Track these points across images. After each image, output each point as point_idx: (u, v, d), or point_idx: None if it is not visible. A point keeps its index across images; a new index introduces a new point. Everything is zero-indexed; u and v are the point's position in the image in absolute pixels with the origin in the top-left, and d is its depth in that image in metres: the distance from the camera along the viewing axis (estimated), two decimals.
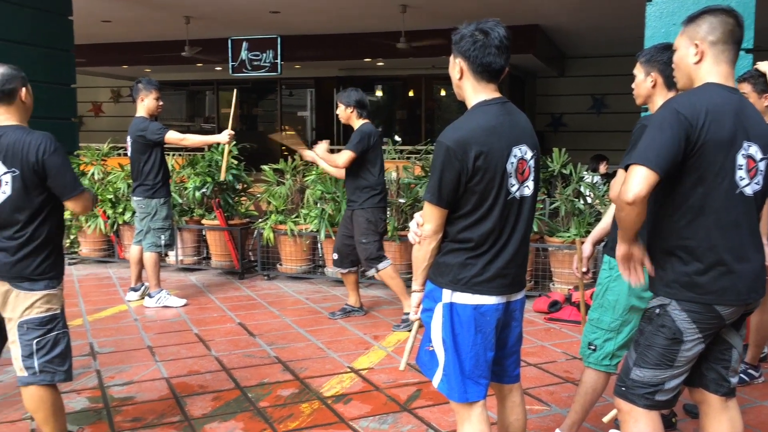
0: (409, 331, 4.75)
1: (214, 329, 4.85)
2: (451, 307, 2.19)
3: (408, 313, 4.82)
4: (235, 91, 6.11)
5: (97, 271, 6.82)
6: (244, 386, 3.75)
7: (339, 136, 16.06)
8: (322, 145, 4.92)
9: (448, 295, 2.20)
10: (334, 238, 5.89)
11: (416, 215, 2.28)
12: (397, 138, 7.28)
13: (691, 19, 2.15)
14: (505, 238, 2.19)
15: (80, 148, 7.81)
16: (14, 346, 2.69)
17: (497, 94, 2.23)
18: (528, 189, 2.23)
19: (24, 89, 2.73)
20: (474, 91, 2.22)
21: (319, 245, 6.51)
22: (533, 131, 2.30)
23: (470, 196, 2.14)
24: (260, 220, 6.57)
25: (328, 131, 15.41)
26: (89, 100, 18.24)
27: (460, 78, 2.24)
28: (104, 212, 6.87)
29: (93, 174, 7.12)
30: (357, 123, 4.85)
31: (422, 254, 2.25)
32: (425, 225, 2.21)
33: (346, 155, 4.69)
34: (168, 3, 10.03)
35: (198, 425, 3.26)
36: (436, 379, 2.24)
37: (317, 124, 16.89)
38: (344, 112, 4.86)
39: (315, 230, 6.15)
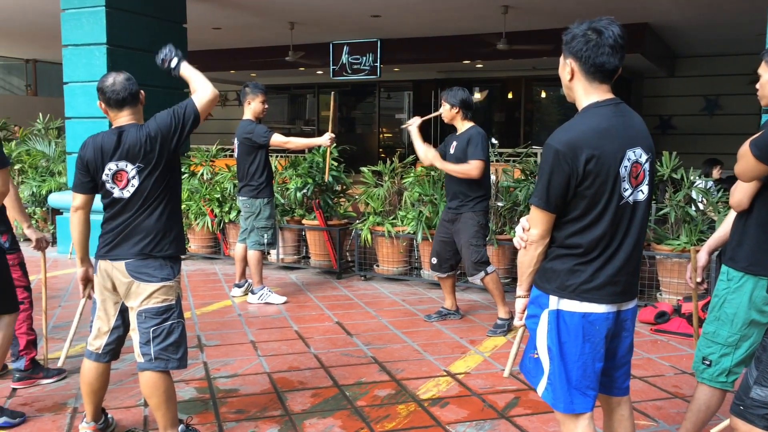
0: (505, 336, 4.71)
1: (312, 327, 4.95)
2: (557, 315, 2.13)
3: (502, 319, 4.76)
4: (333, 93, 6.23)
5: (204, 267, 7.14)
6: (342, 384, 3.81)
7: (436, 138, 16.04)
8: (416, 121, 4.96)
9: (554, 302, 2.13)
10: (431, 240, 5.88)
11: (522, 219, 2.23)
12: (494, 141, 7.18)
13: None
14: (617, 244, 2.11)
15: (191, 149, 8.22)
16: (134, 334, 2.87)
17: (610, 95, 2.14)
18: (642, 194, 2.13)
19: (142, 91, 2.98)
20: (585, 93, 2.15)
21: (415, 247, 6.53)
22: (648, 133, 2.20)
23: (580, 200, 2.07)
24: (358, 221, 6.66)
25: (425, 134, 15.40)
26: None
27: (571, 79, 2.17)
28: (212, 211, 7.18)
29: (202, 174, 7.47)
30: (462, 124, 4.81)
31: (528, 259, 2.19)
32: (531, 229, 2.16)
33: (477, 164, 4.60)
34: (274, 9, 10.37)
35: (298, 420, 3.34)
36: (541, 388, 2.18)
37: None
38: (448, 112, 4.83)
39: (412, 232, 6.17)
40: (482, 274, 4.77)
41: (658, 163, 5.65)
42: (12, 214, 3.62)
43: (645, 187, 2.15)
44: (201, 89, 2.95)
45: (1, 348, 3.25)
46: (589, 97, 2.15)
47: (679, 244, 5.25)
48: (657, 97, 15.29)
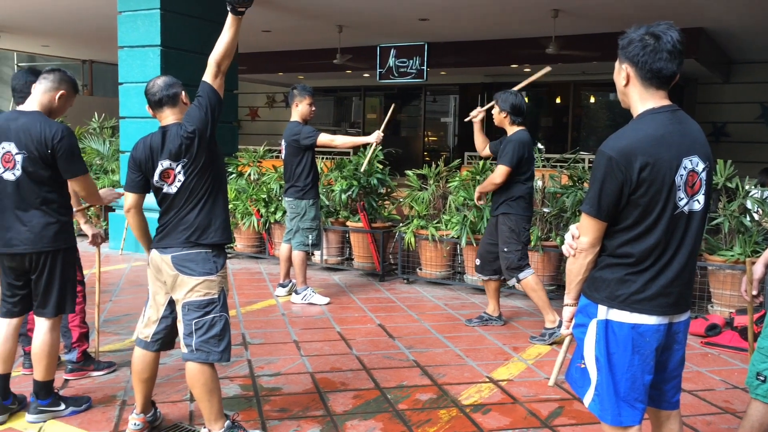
0: (549, 344, 4.64)
1: (355, 329, 4.97)
2: (606, 325, 2.09)
3: (549, 328, 4.69)
4: (393, 106, 6.39)
5: (250, 266, 7.24)
6: (384, 387, 3.81)
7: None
8: (479, 113, 5.06)
9: (603, 312, 2.10)
10: (475, 245, 5.85)
11: (572, 227, 2.19)
12: (540, 146, 7.11)
13: None
14: (670, 254, 2.06)
15: (239, 150, 8.35)
16: (180, 325, 2.96)
17: (667, 102, 2.10)
18: (698, 203, 2.08)
19: (183, 92, 3.06)
20: (641, 99, 2.11)
21: (459, 252, 6.49)
22: (706, 141, 2.14)
23: (633, 209, 2.03)
24: (402, 224, 6.66)
25: (470, 137, 15.35)
26: (247, 105, 19.49)
27: (626, 84, 2.13)
28: (258, 211, 7.28)
29: (249, 174, 7.58)
30: (510, 129, 4.78)
31: (577, 267, 2.16)
32: (581, 237, 2.13)
33: (499, 170, 4.63)
34: (323, 12, 10.46)
35: (340, 421, 3.36)
36: (588, 398, 2.14)
37: (460, 131, 16.89)
38: (498, 115, 4.81)
39: (456, 236, 6.14)
40: (514, 280, 4.78)
41: (713, 172, 5.50)
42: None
43: (701, 197, 2.09)
44: (216, 46, 2.90)
45: (53, 347, 3.27)
46: (644, 104, 2.10)
47: (732, 255, 5.10)
48: (710, 103, 14.88)
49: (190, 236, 2.92)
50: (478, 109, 5.17)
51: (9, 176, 3.18)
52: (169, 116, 3.00)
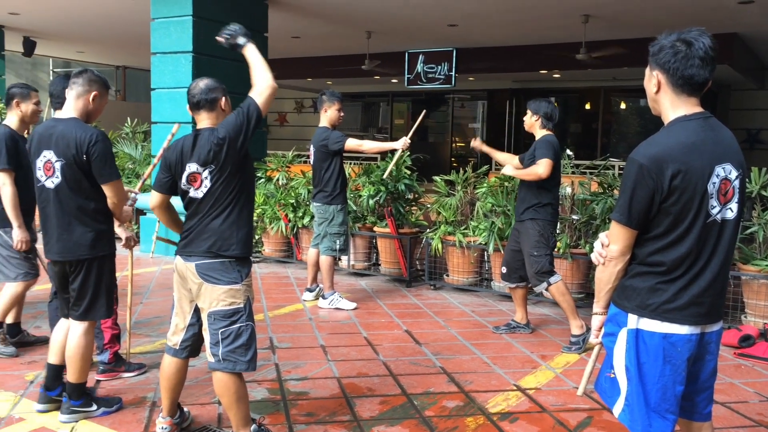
0: (580, 353, 4.59)
1: (381, 334, 4.98)
2: (636, 334, 2.06)
3: (578, 335, 4.65)
4: (424, 111, 6.42)
5: (277, 270, 7.30)
6: (411, 393, 3.81)
7: (510, 148, 15.88)
8: (508, 169, 4.93)
9: (633, 321, 2.07)
10: (503, 251, 5.82)
11: (601, 234, 2.17)
12: (569, 152, 7.06)
13: None
14: (702, 263, 2.03)
15: (267, 155, 8.43)
16: (205, 334, 2.96)
17: (699, 109, 2.07)
18: (731, 211, 2.05)
19: (224, 98, 3.05)
20: (672, 106, 2.08)
21: (487, 258, 6.46)
22: (739, 148, 2.11)
23: (664, 217, 2.01)
24: (429, 230, 6.65)
25: (498, 143, 15.30)
26: (275, 110, 19.66)
27: (657, 91, 2.11)
28: (286, 215, 7.33)
29: (278, 179, 7.64)
30: (539, 133, 4.76)
31: (606, 276, 2.14)
32: (611, 245, 2.11)
33: (546, 163, 4.57)
34: (353, 19, 10.52)
35: (366, 427, 3.36)
36: (617, 409, 2.12)
37: (488, 136, 16.82)
38: (530, 119, 4.81)
39: (484, 243, 6.12)
40: (545, 284, 4.70)
41: (747, 180, 5.40)
42: None
43: (734, 205, 2.06)
44: (259, 83, 2.95)
45: (86, 350, 3.33)
46: (676, 111, 2.08)
47: (767, 265, 4.99)
48: (744, 110, 14.63)
49: (212, 245, 2.90)
50: (476, 142, 5.34)
51: (50, 184, 3.26)
52: (205, 120, 3.01)
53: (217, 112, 3.01)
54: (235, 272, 2.92)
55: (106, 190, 3.27)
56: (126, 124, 10.25)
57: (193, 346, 3.10)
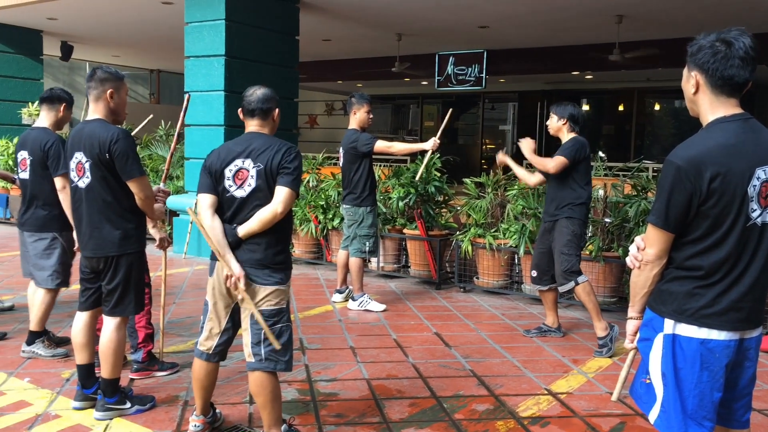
0: (611, 357, 4.53)
1: (411, 336, 4.97)
2: (673, 339, 2.03)
3: (604, 336, 4.59)
4: (450, 110, 6.34)
5: (307, 271, 7.33)
6: (440, 396, 3.79)
7: (541, 150, 15.72)
8: (527, 142, 4.88)
9: (670, 326, 2.03)
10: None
11: (637, 238, 2.14)
12: (601, 154, 6.98)
13: None
14: (742, 267, 1.98)
15: None
16: (246, 334, 2.98)
17: (739, 110, 2.03)
18: None
19: (277, 110, 3.14)
20: (711, 107, 2.04)
21: (517, 261, 6.41)
22: None
23: (702, 220, 1.97)
24: (459, 232, 6.62)
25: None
26: (306, 112, 19.79)
27: (696, 92, 2.07)
28: (316, 217, 7.37)
29: (308, 181, 7.68)
30: (566, 136, 4.73)
31: (642, 280, 2.10)
32: (647, 249, 2.07)
33: (558, 160, 4.58)
34: (383, 21, 10.54)
35: (396, 429, 3.35)
36: (653, 415, 2.08)
37: (519, 138, 16.72)
38: (555, 123, 4.77)
39: (514, 245, 6.07)
40: (572, 284, 4.65)
41: None
42: None
43: None
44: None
45: (118, 346, 3.39)
46: (715, 112, 2.04)
47: None
48: None
49: (254, 254, 2.93)
50: (501, 155, 5.18)
51: (81, 184, 3.35)
52: (255, 126, 3.08)
53: (269, 122, 3.11)
54: (282, 273, 2.99)
55: (132, 186, 3.32)
56: (159, 127, 10.40)
57: (224, 350, 3.13)
